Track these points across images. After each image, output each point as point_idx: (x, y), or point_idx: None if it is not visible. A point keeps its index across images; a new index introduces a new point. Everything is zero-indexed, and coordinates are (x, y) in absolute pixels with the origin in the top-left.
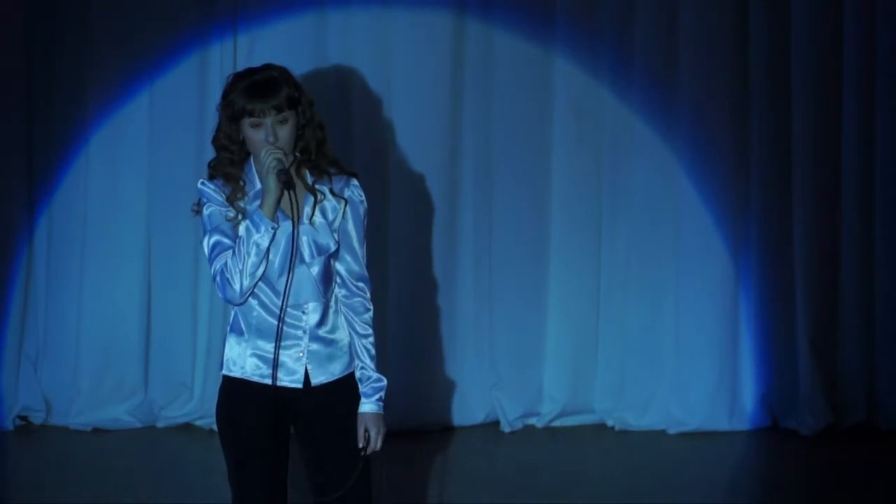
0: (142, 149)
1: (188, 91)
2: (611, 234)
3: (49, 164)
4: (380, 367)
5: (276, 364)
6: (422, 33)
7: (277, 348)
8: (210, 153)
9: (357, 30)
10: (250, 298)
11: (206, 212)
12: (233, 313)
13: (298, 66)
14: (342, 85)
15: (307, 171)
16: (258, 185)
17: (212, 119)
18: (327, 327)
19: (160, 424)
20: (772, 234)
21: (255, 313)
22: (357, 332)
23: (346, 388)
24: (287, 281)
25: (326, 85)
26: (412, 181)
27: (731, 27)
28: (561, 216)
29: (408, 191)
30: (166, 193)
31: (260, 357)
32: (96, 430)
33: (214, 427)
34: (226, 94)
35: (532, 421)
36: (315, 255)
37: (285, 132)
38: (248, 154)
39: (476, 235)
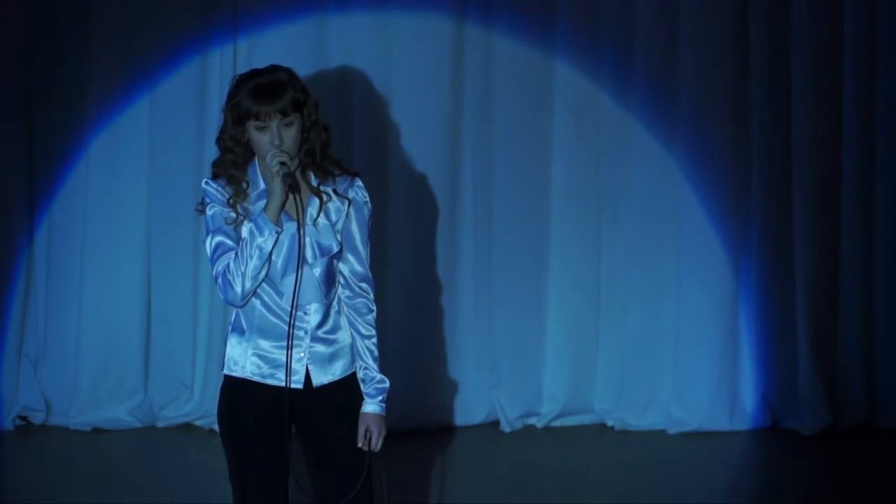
0: (142, 152)
1: (188, 95)
2: (611, 234)
3: (50, 166)
4: (381, 368)
5: (288, 369)
6: (422, 37)
7: (289, 348)
8: (210, 156)
9: (357, 33)
10: (252, 298)
11: (209, 212)
12: (234, 313)
13: (298, 70)
14: (342, 88)
15: (311, 173)
16: (262, 186)
17: (212, 123)
18: (328, 327)
19: (160, 424)
20: (772, 234)
21: (257, 313)
22: (360, 333)
23: (347, 389)
24: (296, 283)
25: (327, 88)
26: (412, 183)
27: (731, 30)
28: (561, 216)
29: (408, 192)
30: (166, 195)
31: (261, 357)
32: (96, 430)
33: (214, 427)
34: (231, 96)
35: (532, 421)
36: (318, 255)
37: (290, 135)
38: (253, 155)
39: (476, 236)
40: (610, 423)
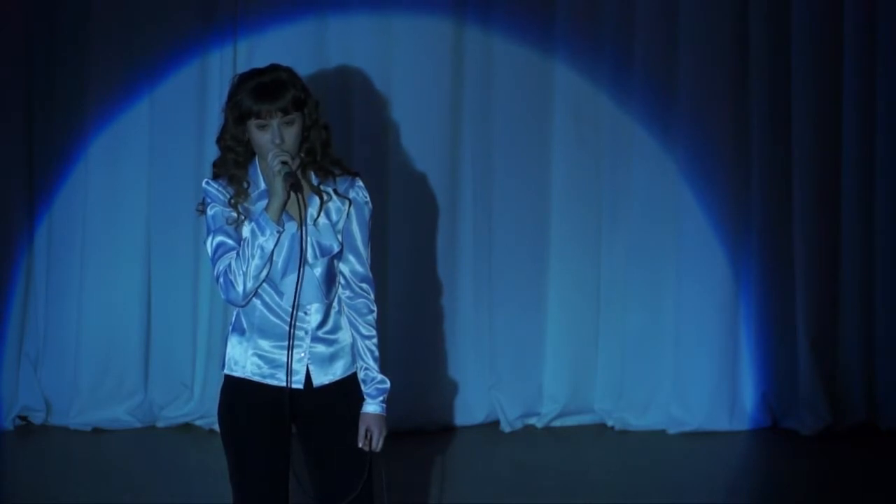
0: (142, 152)
1: (188, 96)
2: (611, 235)
3: (50, 166)
4: (382, 368)
5: (289, 369)
6: (421, 38)
7: (290, 348)
8: (210, 156)
9: (357, 34)
10: (253, 298)
11: (209, 212)
12: (235, 313)
13: (298, 70)
14: (342, 88)
15: (312, 173)
16: (262, 186)
17: (212, 123)
18: (329, 328)
19: (160, 424)
20: (772, 234)
21: (257, 313)
22: (361, 334)
23: (347, 389)
24: (297, 283)
25: (327, 88)
26: (412, 183)
27: (731, 30)
28: (561, 216)
29: (408, 193)
30: (166, 195)
31: (261, 357)
32: (96, 430)
33: (214, 427)
34: (232, 95)
35: (532, 421)
36: (318, 255)
37: (291, 134)
38: (253, 155)
39: (476, 236)
40: (610, 423)
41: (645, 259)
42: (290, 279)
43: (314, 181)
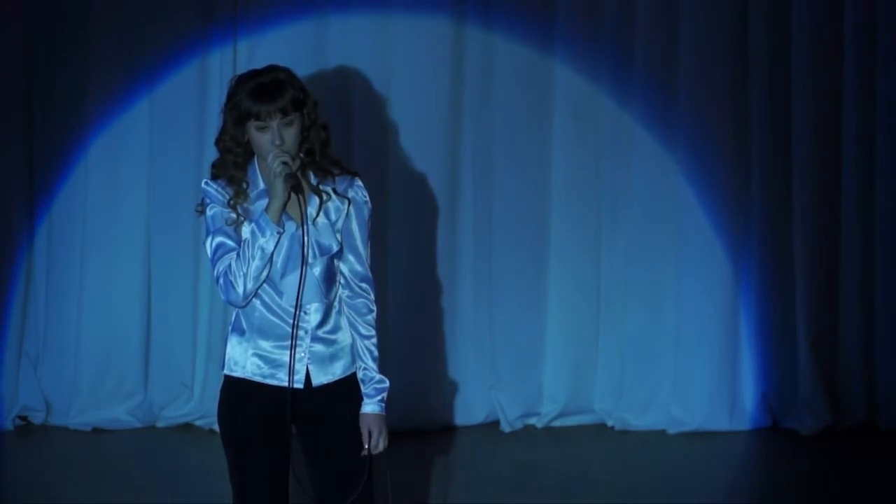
0: (142, 152)
1: (188, 96)
2: (611, 234)
3: (50, 166)
4: (381, 368)
5: (291, 369)
6: (421, 37)
7: (293, 348)
8: (210, 156)
9: (357, 34)
10: (253, 298)
11: (209, 212)
12: (234, 313)
13: (298, 71)
14: (342, 88)
15: (311, 173)
16: (261, 186)
17: (212, 123)
18: (329, 327)
19: (160, 424)
20: (772, 234)
21: (257, 313)
22: (360, 334)
23: (347, 389)
24: (300, 283)
25: (326, 88)
26: (412, 183)
27: (731, 30)
28: (561, 216)
29: (408, 193)
30: (166, 195)
31: (261, 357)
32: (96, 430)
33: (214, 427)
34: (231, 96)
35: (532, 421)
36: (317, 255)
37: (291, 135)
38: (252, 155)
39: (476, 236)
40: (610, 423)
41: (645, 259)
42: (290, 279)
43: (313, 181)
